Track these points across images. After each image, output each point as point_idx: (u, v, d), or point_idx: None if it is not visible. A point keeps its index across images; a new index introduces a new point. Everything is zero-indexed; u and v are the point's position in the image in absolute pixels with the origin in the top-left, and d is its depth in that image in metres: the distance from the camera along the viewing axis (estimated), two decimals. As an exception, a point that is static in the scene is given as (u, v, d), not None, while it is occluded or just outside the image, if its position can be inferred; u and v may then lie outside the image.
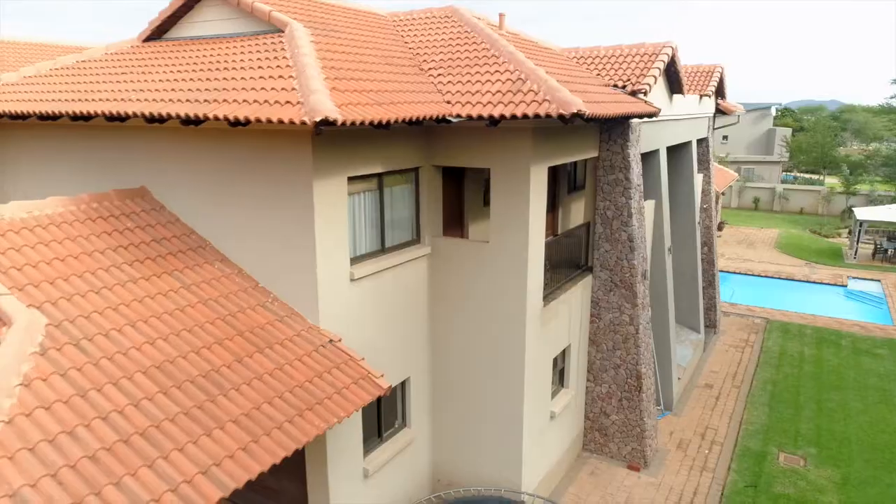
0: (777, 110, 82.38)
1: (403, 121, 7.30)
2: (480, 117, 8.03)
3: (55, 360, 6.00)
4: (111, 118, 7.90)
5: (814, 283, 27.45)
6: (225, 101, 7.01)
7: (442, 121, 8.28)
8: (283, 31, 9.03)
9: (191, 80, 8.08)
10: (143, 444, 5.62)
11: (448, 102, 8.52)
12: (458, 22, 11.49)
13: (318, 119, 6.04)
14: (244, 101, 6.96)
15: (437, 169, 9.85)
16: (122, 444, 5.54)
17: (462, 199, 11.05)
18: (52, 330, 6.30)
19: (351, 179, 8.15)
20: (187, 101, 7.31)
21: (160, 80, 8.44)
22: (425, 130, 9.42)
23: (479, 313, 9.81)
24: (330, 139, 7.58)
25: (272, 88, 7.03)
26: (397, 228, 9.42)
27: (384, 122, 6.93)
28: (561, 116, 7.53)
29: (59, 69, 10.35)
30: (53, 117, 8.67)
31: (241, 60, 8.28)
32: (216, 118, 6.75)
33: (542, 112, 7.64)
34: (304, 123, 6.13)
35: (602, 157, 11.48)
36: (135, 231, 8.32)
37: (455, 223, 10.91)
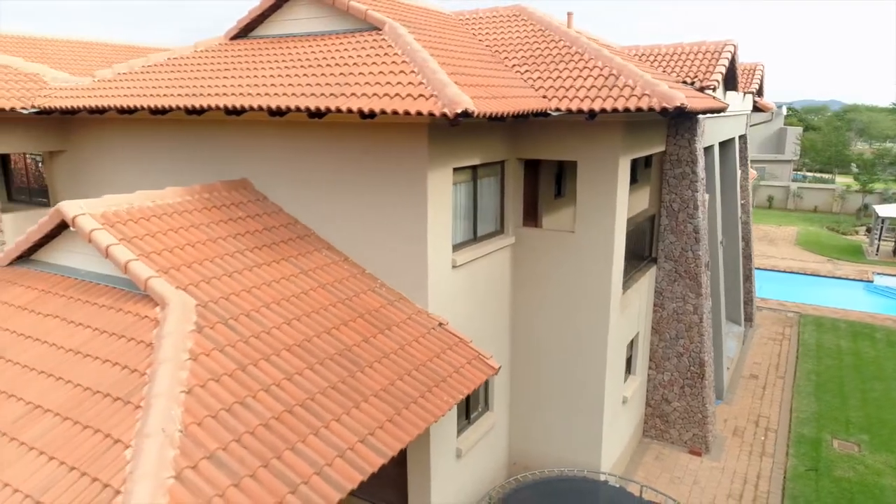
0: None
1: (516, 114, 7.68)
2: (580, 111, 8.41)
3: (212, 338, 6.37)
4: (231, 112, 8.27)
5: (839, 278, 27.83)
6: (353, 94, 7.37)
7: (540, 115, 8.66)
8: (379, 30, 9.40)
9: (304, 75, 8.43)
10: (305, 415, 6.00)
11: (545, 97, 8.89)
12: (529, 20, 11.87)
13: (459, 111, 6.42)
14: (374, 94, 7.31)
15: (519, 162, 10.23)
16: (287, 414, 5.93)
17: (536, 191, 11.43)
18: (201, 310, 6.68)
19: (454, 171, 8.54)
20: (312, 94, 7.68)
21: (269, 76, 8.79)
22: (512, 124, 9.80)
23: (562, 300, 10.19)
24: (439, 132, 7.96)
25: (398, 83, 7.40)
26: (485, 219, 9.79)
27: (504, 114, 7.31)
28: (664, 110, 7.91)
29: (152, 66, 10.72)
30: (163, 111, 9.04)
31: (350, 56, 8.64)
32: (349, 111, 7.12)
33: (643, 106, 8.02)
34: (444, 115, 6.51)
35: (669, 152, 11.86)
36: (246, 220, 8.70)
37: (529, 214, 11.28)
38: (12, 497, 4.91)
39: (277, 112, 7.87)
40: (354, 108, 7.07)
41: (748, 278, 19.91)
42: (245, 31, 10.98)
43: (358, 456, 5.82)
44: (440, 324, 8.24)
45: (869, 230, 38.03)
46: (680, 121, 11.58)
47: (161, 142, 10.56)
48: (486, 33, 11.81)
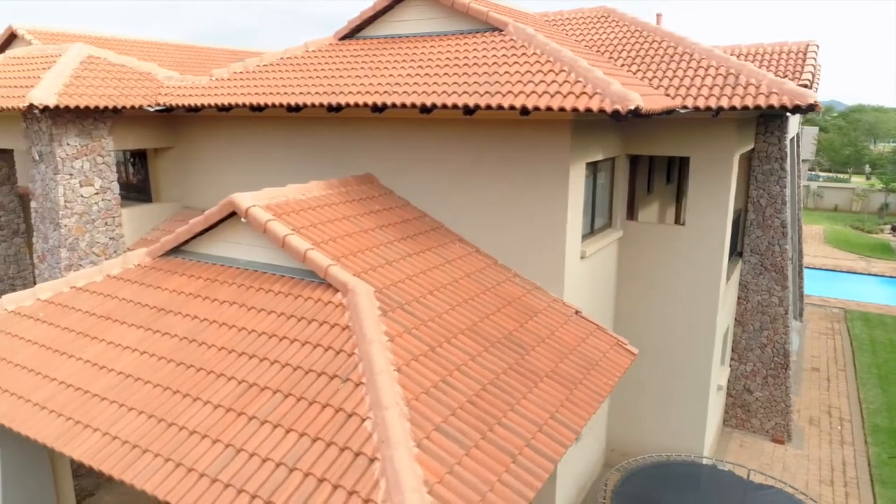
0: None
1: (661, 111, 8.06)
2: (708, 108, 8.78)
3: (398, 321, 6.75)
4: (376, 109, 8.64)
5: (875, 275, 28.22)
6: (510, 93, 7.74)
7: (667, 112, 9.03)
8: (501, 30, 9.77)
9: (444, 73, 8.78)
10: (498, 392, 6.37)
11: (667, 95, 9.27)
12: (621, 21, 12.24)
13: (631, 107, 6.80)
14: (532, 92, 7.66)
15: (626, 158, 10.62)
16: (483, 392, 6.30)
17: (634, 186, 11.80)
18: (378, 296, 7.05)
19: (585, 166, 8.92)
20: (465, 93, 8.04)
21: (405, 74, 9.15)
22: (626, 122, 10.16)
23: (668, 291, 10.57)
24: (579, 129, 8.34)
25: (553, 81, 7.76)
26: (599, 214, 10.18)
27: (654, 112, 7.68)
28: (796, 107, 8.29)
29: (267, 66, 11.08)
30: (297, 108, 9.40)
31: (486, 56, 9.00)
32: (511, 107, 7.49)
33: (774, 103, 8.40)
34: (616, 112, 6.89)
35: (758, 149, 12.23)
36: (384, 213, 9.07)
37: (629, 209, 11.65)
38: (264, 465, 5.28)
39: (427, 109, 8.24)
40: (518, 105, 7.44)
41: (800, 274, 20.29)
42: (354, 32, 11.34)
43: (553, 430, 6.20)
44: (576, 312, 8.62)
45: (894, 228, 38.51)
46: (770, 118, 11.95)
47: (276, 138, 10.94)
48: (580, 34, 12.18)
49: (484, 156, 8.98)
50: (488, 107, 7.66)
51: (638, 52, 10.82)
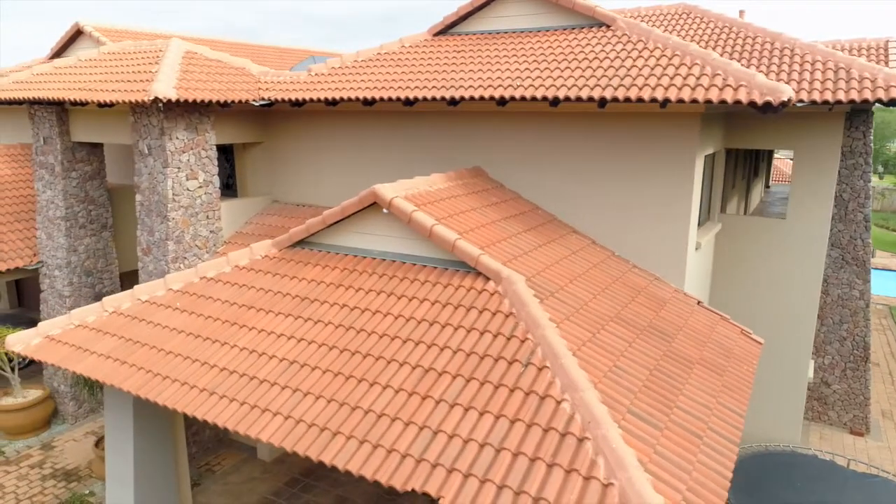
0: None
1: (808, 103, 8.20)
2: (826, 102, 8.91)
3: (554, 308, 6.89)
4: (501, 102, 8.77)
5: (911, 272, 28.35)
6: (646, 85, 7.87)
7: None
8: (609, 25, 9.92)
9: (566, 68, 8.92)
10: (665, 378, 6.51)
11: (779, 89, 9.39)
12: (705, 17, 12.39)
13: (784, 99, 6.93)
14: (659, 85, 7.80)
15: (724, 151, 10.76)
16: (652, 376, 6.44)
17: (724, 180, 11.93)
18: (529, 284, 7.18)
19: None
20: (598, 86, 8.16)
21: (523, 69, 9.27)
22: (727, 114, 10.31)
23: (765, 283, 10.71)
24: (705, 121, 8.48)
25: (689, 74, 7.90)
26: (702, 207, 10.31)
27: (794, 102, 7.79)
28: (917, 100, 8.43)
29: (364, 61, 11.21)
30: (410, 101, 9.53)
31: (602, 50, 9.14)
32: (653, 100, 7.62)
33: (896, 96, 8.53)
34: (767, 104, 7.02)
35: (843, 143, 12.35)
36: (502, 205, 9.21)
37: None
38: (467, 446, 5.40)
39: (555, 102, 8.37)
40: (659, 98, 7.57)
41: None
42: (448, 28, 11.49)
43: (722, 414, 6.33)
44: (698, 302, 8.76)
45: (920, 227, 38.67)
46: (857, 113, 12.07)
47: (370, 133, 11.08)
48: (665, 30, 12.31)
49: (599, 149, 9.12)
50: (627, 99, 7.78)
51: (734, 47, 10.95)
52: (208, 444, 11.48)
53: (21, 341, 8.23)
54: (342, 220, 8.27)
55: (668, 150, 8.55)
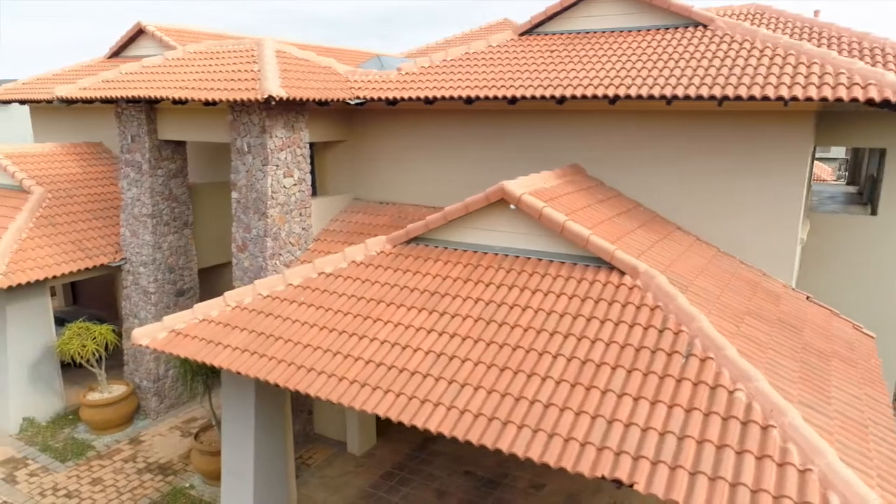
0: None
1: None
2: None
3: (695, 301, 7.02)
4: (613, 100, 8.91)
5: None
6: (769, 84, 8.01)
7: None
8: (705, 26, 10.06)
9: (676, 66, 9.06)
10: (810, 369, 6.66)
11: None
12: (781, 17, 12.54)
13: (919, 97, 7.08)
14: (782, 83, 7.95)
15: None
16: (803, 368, 6.58)
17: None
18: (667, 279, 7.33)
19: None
20: (715, 84, 8.31)
21: (621, 67, 9.42)
22: (821, 113, 10.45)
23: (851, 280, 10.85)
24: (818, 118, 8.63)
25: (810, 73, 8.05)
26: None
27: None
28: None
29: (453, 61, 11.35)
30: (513, 100, 9.67)
31: (708, 49, 9.29)
32: (779, 98, 7.75)
33: None
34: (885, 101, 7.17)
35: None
36: (609, 202, 9.35)
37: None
38: (647, 434, 5.54)
39: (671, 100, 8.51)
40: (786, 95, 7.70)
41: None
42: (534, 28, 11.63)
43: (873, 406, 6.48)
44: (807, 297, 8.90)
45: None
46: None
47: (457, 131, 11.23)
48: (742, 30, 12.43)
49: (702, 146, 9.27)
50: (751, 97, 7.92)
51: (820, 46, 11.07)
52: (297, 438, 11.62)
53: (147, 335, 8.38)
54: (464, 216, 8.41)
55: (779, 146, 8.69)
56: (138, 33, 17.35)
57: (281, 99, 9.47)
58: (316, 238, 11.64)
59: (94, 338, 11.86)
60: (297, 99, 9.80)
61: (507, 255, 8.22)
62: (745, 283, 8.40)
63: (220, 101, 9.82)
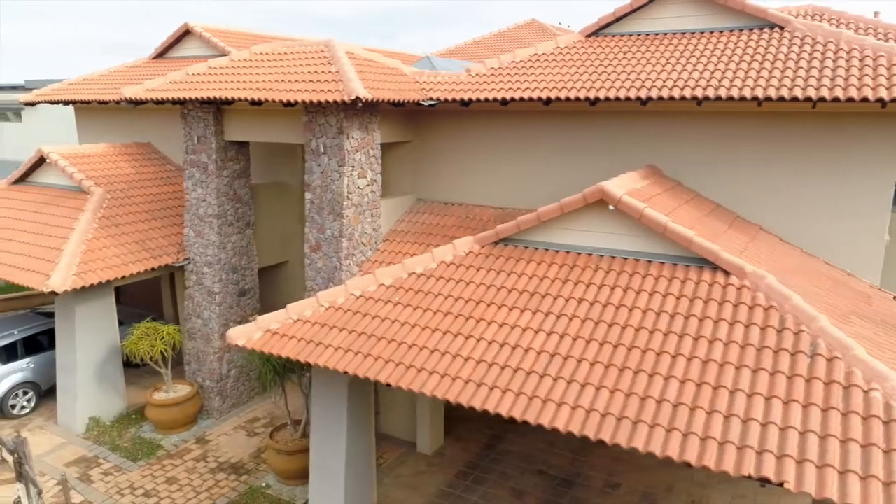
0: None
1: None
2: None
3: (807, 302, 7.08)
4: (699, 101, 8.96)
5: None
6: (866, 85, 8.07)
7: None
8: (781, 27, 10.13)
9: (762, 68, 9.11)
10: (926, 369, 6.71)
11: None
12: (841, 18, 12.56)
13: None
14: (880, 85, 8.01)
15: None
16: (917, 367, 6.64)
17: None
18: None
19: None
20: (809, 86, 8.36)
21: (703, 69, 9.46)
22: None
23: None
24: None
25: (908, 75, 8.12)
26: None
27: None
28: None
29: (521, 62, 11.40)
30: (593, 101, 9.73)
31: (791, 51, 9.34)
32: (878, 100, 7.82)
33: None
34: None
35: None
36: (694, 201, 9.41)
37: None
38: (787, 433, 5.60)
39: (762, 101, 8.57)
40: (885, 97, 7.76)
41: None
42: (601, 29, 11.68)
43: None
44: (894, 297, 8.96)
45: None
46: None
47: (525, 132, 11.30)
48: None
49: (785, 148, 9.33)
50: (849, 99, 7.99)
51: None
52: (366, 437, 11.67)
53: (243, 335, 8.44)
54: (558, 217, 8.47)
55: (867, 147, 8.76)
56: (185, 34, 17.41)
57: (365, 100, 9.51)
58: (384, 238, 11.69)
59: (163, 338, 11.92)
60: (376, 100, 9.85)
61: (602, 256, 8.28)
62: (836, 284, 8.46)
63: (301, 102, 9.87)
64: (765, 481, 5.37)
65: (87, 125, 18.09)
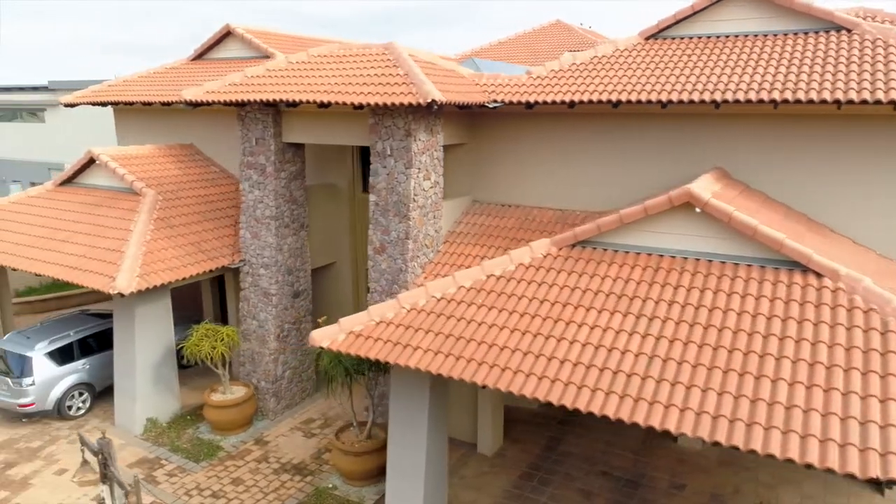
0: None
1: None
2: None
3: None
4: (777, 104, 9.00)
5: None
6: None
7: None
8: (849, 30, 10.17)
9: (832, 72, 9.14)
10: None
11: None
12: (893, 20, 12.60)
13: None
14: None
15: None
16: None
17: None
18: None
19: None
20: (892, 89, 8.41)
21: (775, 71, 9.50)
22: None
23: None
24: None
25: None
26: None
27: None
28: None
29: (582, 65, 11.43)
30: (665, 104, 9.76)
31: (860, 53, 9.39)
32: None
33: None
34: None
35: None
36: (766, 204, 9.44)
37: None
38: (907, 435, 5.64)
39: (843, 104, 8.61)
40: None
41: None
42: (661, 31, 11.72)
43: None
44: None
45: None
46: None
47: (588, 134, 11.33)
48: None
49: (861, 148, 9.36)
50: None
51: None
52: (426, 438, 11.71)
53: (327, 337, 8.49)
54: (641, 219, 8.50)
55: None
56: (226, 35, 17.46)
57: (441, 103, 9.54)
58: (444, 240, 11.73)
59: (223, 339, 11.95)
60: (448, 103, 9.88)
61: (686, 258, 8.32)
62: (918, 286, 8.49)
63: (371, 105, 9.90)
64: (893, 483, 5.41)
65: (127, 126, 18.13)
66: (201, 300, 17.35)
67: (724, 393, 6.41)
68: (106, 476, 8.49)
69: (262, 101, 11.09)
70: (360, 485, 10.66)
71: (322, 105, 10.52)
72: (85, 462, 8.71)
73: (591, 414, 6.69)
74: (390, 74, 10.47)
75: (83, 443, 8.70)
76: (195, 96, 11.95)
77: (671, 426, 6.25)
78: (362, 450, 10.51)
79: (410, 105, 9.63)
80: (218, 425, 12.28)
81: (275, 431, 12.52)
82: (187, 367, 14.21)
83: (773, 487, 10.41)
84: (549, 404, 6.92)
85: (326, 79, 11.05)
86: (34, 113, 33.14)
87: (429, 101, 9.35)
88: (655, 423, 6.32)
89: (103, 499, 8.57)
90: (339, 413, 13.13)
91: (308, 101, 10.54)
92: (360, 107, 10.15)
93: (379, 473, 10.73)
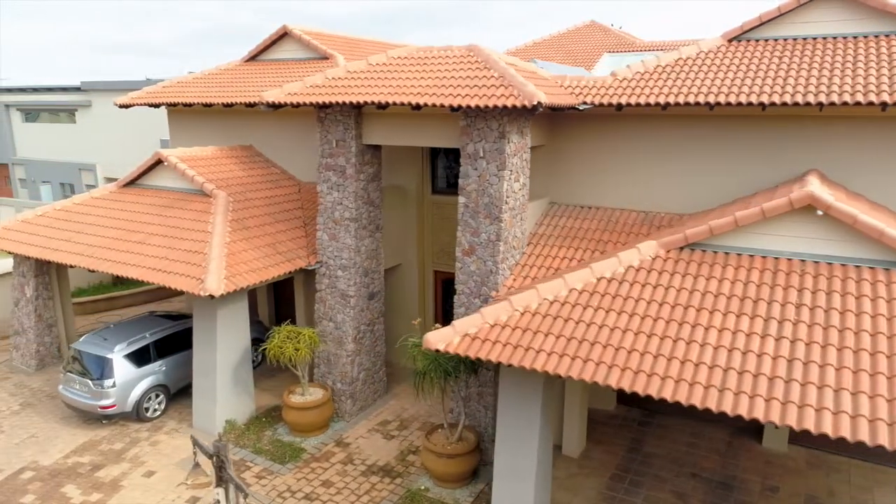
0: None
1: None
2: None
3: None
4: (885, 106, 9.01)
5: None
6: None
7: None
8: (946, 31, 10.17)
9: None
10: None
11: None
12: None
13: None
14: None
15: None
16: None
17: None
18: None
19: None
20: None
21: (882, 73, 9.51)
22: None
23: None
24: None
25: None
26: None
27: None
28: None
29: (667, 66, 11.43)
30: (765, 105, 9.76)
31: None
32: None
33: None
34: None
35: None
36: (871, 207, 9.43)
37: None
38: None
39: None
40: None
41: None
42: (744, 33, 11.71)
43: None
44: None
45: None
46: None
47: (673, 137, 11.34)
48: None
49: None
50: None
51: None
52: (510, 440, 11.70)
53: (443, 340, 8.48)
54: (757, 222, 8.50)
55: None
56: (283, 36, 17.46)
57: (544, 106, 9.54)
58: (528, 242, 11.73)
59: (305, 341, 11.94)
60: (552, 105, 9.86)
61: (804, 261, 8.31)
62: None
63: (471, 107, 9.89)
64: None
65: (180, 127, 18.13)
66: (256, 302, 17.37)
67: (876, 396, 6.41)
68: (222, 479, 8.48)
69: (349, 102, 11.08)
70: (452, 486, 10.65)
71: (415, 107, 10.52)
72: (197, 464, 8.70)
73: (722, 413, 6.71)
74: (484, 76, 10.46)
75: (196, 445, 8.69)
76: (276, 98, 11.93)
77: (827, 429, 6.23)
78: (455, 452, 10.50)
79: (506, 107, 9.62)
80: (297, 427, 12.27)
81: (353, 433, 12.51)
82: (256, 368, 14.23)
83: (868, 490, 10.40)
84: (627, 405, 6.93)
85: (416, 81, 11.04)
86: (70, 113, 33.17)
87: (535, 103, 9.34)
88: (809, 425, 6.31)
89: (218, 501, 8.56)
90: (413, 414, 13.14)
91: (401, 103, 10.53)
92: (457, 109, 10.15)
93: (471, 475, 10.74)
